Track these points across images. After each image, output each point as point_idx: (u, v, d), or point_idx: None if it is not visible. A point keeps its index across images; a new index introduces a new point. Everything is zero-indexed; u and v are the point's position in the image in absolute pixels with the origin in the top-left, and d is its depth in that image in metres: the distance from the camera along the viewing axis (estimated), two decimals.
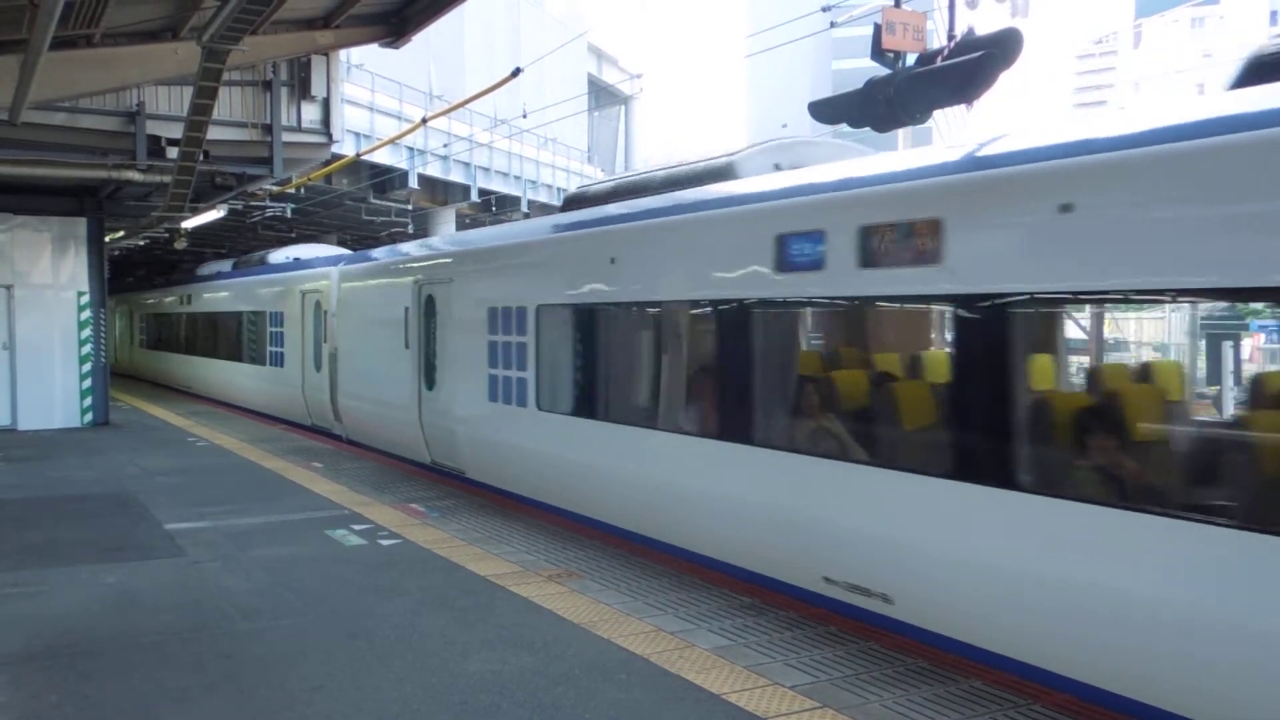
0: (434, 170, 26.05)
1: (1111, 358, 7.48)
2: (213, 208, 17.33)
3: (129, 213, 18.75)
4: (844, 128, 8.38)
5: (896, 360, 7.07)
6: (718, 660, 5.53)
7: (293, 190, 20.65)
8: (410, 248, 14.12)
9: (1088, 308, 6.19)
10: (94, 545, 8.40)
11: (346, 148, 20.32)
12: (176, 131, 13.13)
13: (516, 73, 12.44)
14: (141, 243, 26.60)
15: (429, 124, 17.87)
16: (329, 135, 15.80)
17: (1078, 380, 6.72)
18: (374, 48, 15.59)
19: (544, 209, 30.49)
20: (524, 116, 19.37)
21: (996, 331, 5.25)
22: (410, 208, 26.97)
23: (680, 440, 7.65)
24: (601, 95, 54.03)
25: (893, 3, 6.75)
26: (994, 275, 5.23)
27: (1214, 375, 11.91)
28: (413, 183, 24.81)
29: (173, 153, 13.49)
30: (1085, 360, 6.74)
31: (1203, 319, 10.86)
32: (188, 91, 11.74)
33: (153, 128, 14.14)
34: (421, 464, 12.25)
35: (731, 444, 7.02)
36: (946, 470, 5.45)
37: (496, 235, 11.48)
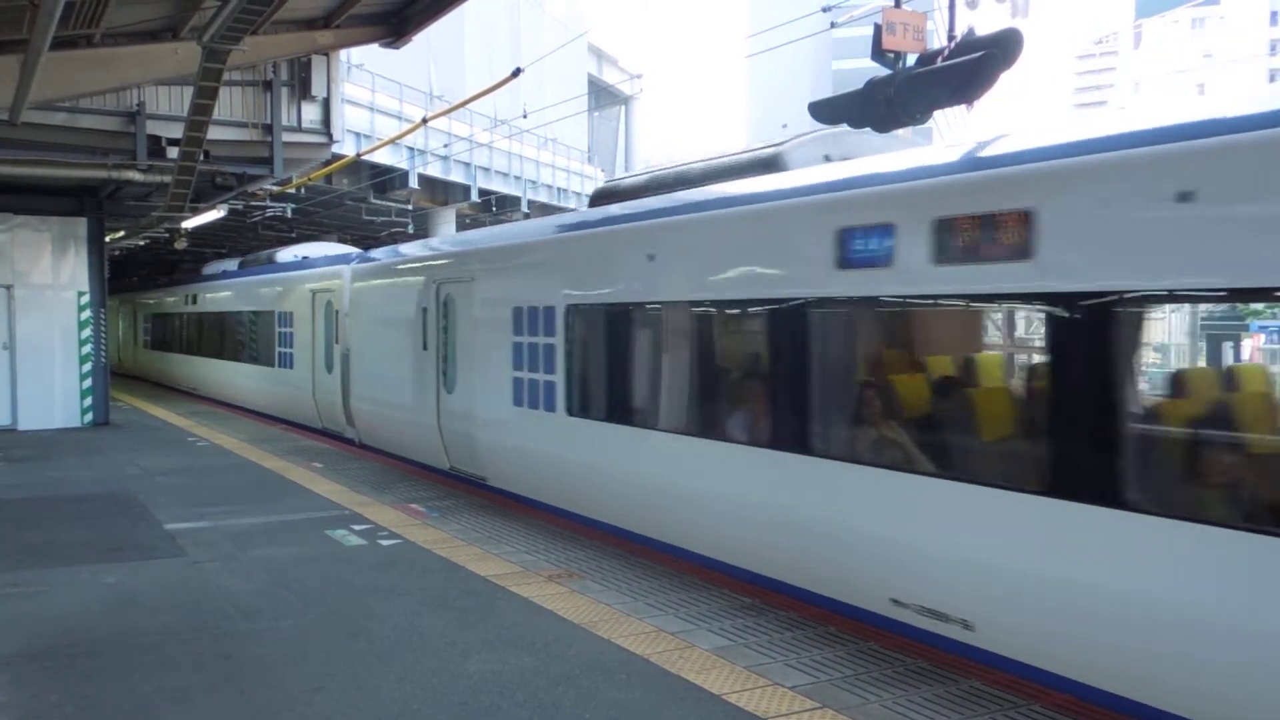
0: (434, 170, 26.06)
1: (1229, 361, 6.93)
2: (213, 208, 17.33)
3: (129, 213, 18.76)
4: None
5: (972, 364, 6.56)
6: (718, 660, 5.53)
7: (293, 190, 20.66)
8: (428, 245, 13.76)
9: (1210, 307, 5.77)
10: (94, 545, 8.41)
11: (347, 148, 20.32)
12: (177, 131, 13.14)
13: (517, 73, 12.43)
14: (142, 242, 26.60)
15: (429, 124, 17.86)
16: (329, 135, 15.81)
17: (1193, 385, 6.06)
18: (374, 48, 15.60)
19: (544, 209, 30.52)
20: (524, 117, 19.34)
21: (1098, 333, 4.79)
22: (410, 208, 26.97)
23: (726, 449, 7.18)
24: (601, 95, 54.04)
25: (893, 3, 6.75)
26: (1097, 271, 4.77)
27: None
28: (413, 183, 24.81)
29: (173, 153, 13.49)
30: (1199, 364, 6.23)
31: None
32: (188, 91, 11.75)
33: (153, 128, 14.15)
34: (439, 470, 11.80)
35: (785, 454, 6.57)
36: (1045, 486, 4.99)
37: (520, 232, 10.97)
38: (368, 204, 26.08)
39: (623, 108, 58.19)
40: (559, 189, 33.38)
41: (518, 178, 30.18)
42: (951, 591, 5.50)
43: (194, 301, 25.09)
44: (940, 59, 6.22)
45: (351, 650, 5.74)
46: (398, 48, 14.89)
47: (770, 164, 7.49)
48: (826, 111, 7.01)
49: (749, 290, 7.01)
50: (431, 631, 6.07)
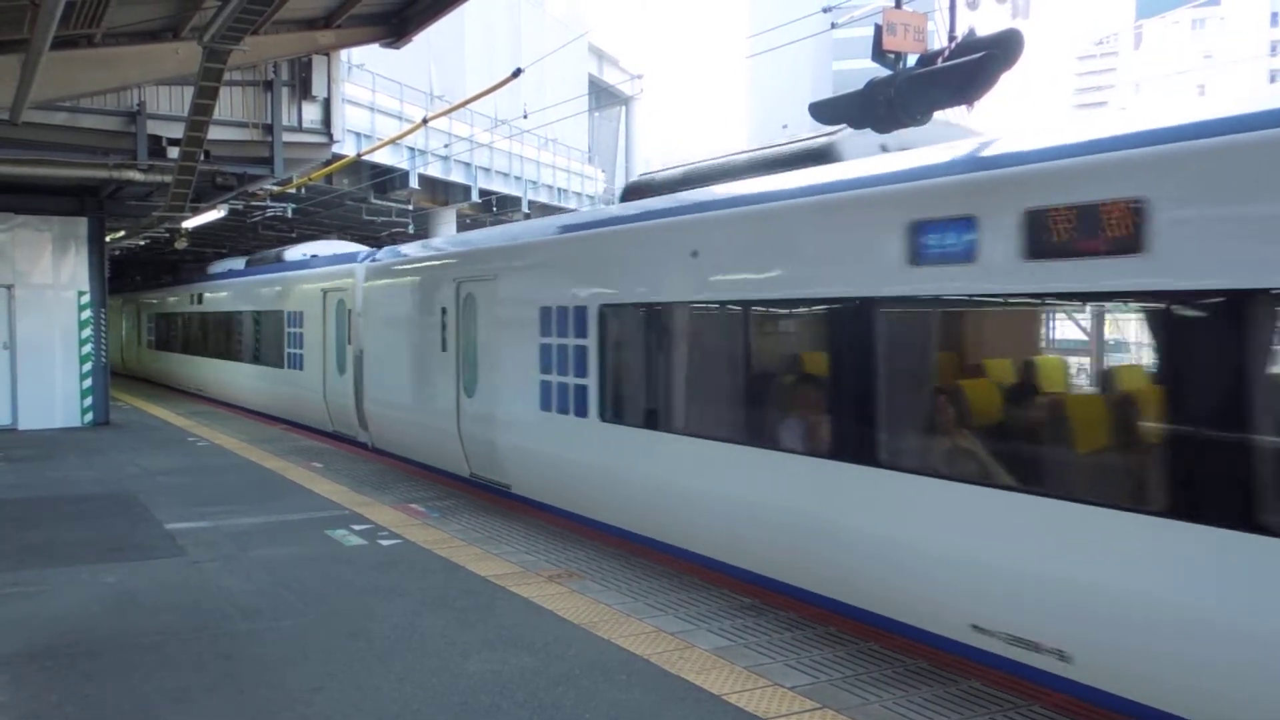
0: (434, 170, 26.08)
1: None
2: (213, 208, 17.34)
3: (130, 212, 18.76)
4: None
5: (1066, 368, 6.08)
6: (718, 661, 5.53)
7: (293, 190, 20.65)
8: (447, 242, 13.24)
9: None
10: (94, 545, 8.41)
11: (347, 148, 20.34)
12: (177, 131, 13.14)
13: (517, 73, 12.43)
14: (143, 242, 26.59)
15: (430, 124, 17.86)
16: (330, 135, 15.80)
17: None
18: (375, 48, 15.60)
19: (545, 209, 30.53)
20: (524, 117, 19.36)
21: (1224, 334, 4.33)
22: (411, 208, 26.99)
23: (779, 459, 6.72)
24: (602, 96, 54.06)
25: (893, 4, 6.75)
26: (1225, 267, 4.31)
27: None
28: (413, 183, 24.83)
29: (173, 152, 13.50)
30: None
31: None
32: (188, 91, 11.75)
33: (153, 127, 14.15)
34: (458, 476, 11.39)
35: (850, 465, 6.09)
36: (1156, 505, 4.59)
37: (547, 229, 10.35)
38: (368, 204, 26.10)
39: (623, 108, 58.22)
40: (559, 189, 33.41)
41: (518, 178, 30.20)
42: (1045, 618, 5.02)
43: (199, 301, 24.64)
44: (941, 60, 6.21)
45: (351, 650, 5.74)
46: (398, 48, 14.90)
47: (822, 155, 7.10)
48: (827, 112, 6.99)
49: (806, 289, 6.56)
50: (431, 631, 6.07)
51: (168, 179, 13.98)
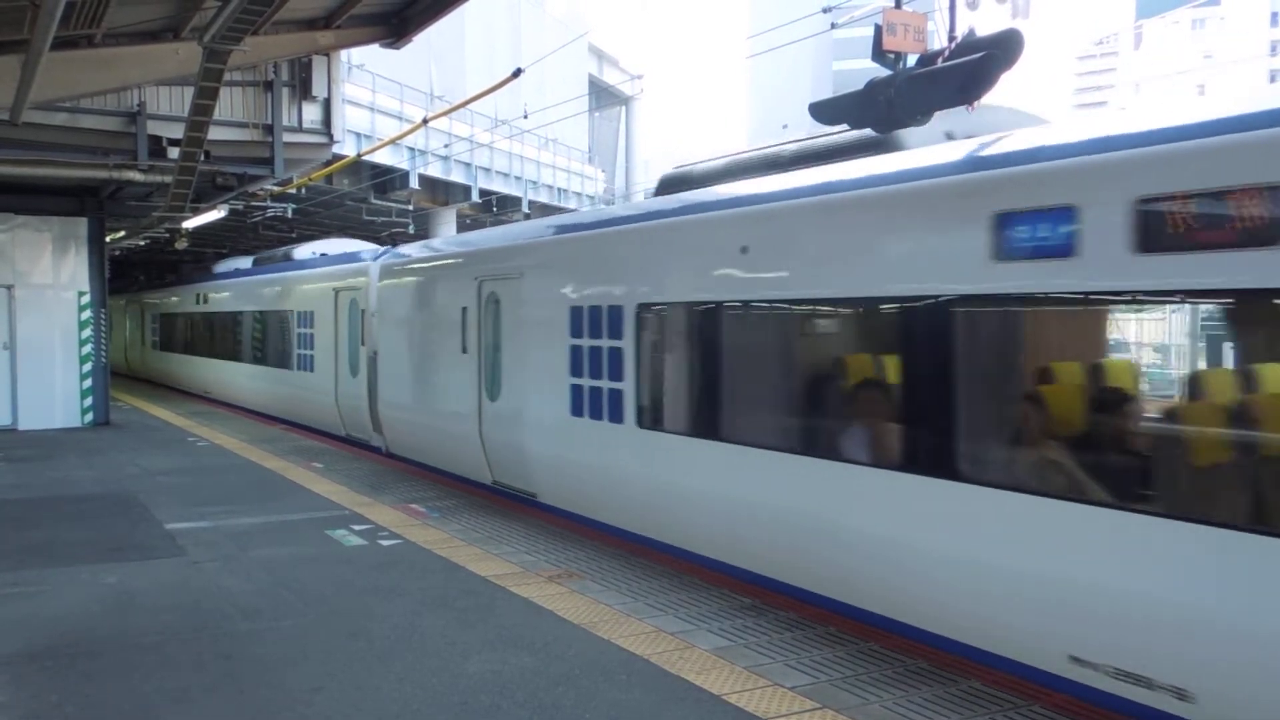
0: (435, 171, 26.09)
1: None
2: (213, 208, 17.35)
3: (130, 213, 18.77)
4: None
5: (1192, 372, 5.54)
6: (718, 661, 5.53)
7: (293, 190, 20.67)
8: (468, 238, 12.73)
9: None
10: (94, 545, 8.41)
11: (347, 148, 20.34)
12: (177, 132, 13.16)
13: (517, 73, 12.44)
14: (143, 242, 26.59)
15: (430, 124, 17.87)
16: (330, 135, 15.82)
17: None
18: (375, 48, 15.62)
19: (545, 209, 30.54)
20: (525, 117, 19.37)
21: None
22: (411, 208, 27.00)
23: (837, 470, 6.24)
24: (602, 96, 54.09)
25: (893, 4, 6.75)
26: None
27: None
28: (413, 183, 24.84)
29: (174, 153, 13.51)
30: None
31: None
32: (189, 92, 11.76)
33: (154, 128, 14.16)
34: (480, 484, 10.86)
35: (921, 478, 5.62)
36: None
37: (576, 224, 9.85)
38: (368, 204, 26.11)
39: (623, 108, 58.27)
40: (559, 189, 33.43)
41: (518, 178, 30.21)
42: (1161, 650, 4.53)
43: (205, 301, 24.13)
44: (941, 60, 6.21)
45: (351, 650, 5.75)
46: (398, 48, 14.91)
47: (882, 143, 6.68)
48: (827, 112, 6.99)
49: (872, 286, 6.06)
50: (431, 632, 6.07)
51: (168, 179, 14.00)
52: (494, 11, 37.77)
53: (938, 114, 6.56)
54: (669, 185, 8.78)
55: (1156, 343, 5.97)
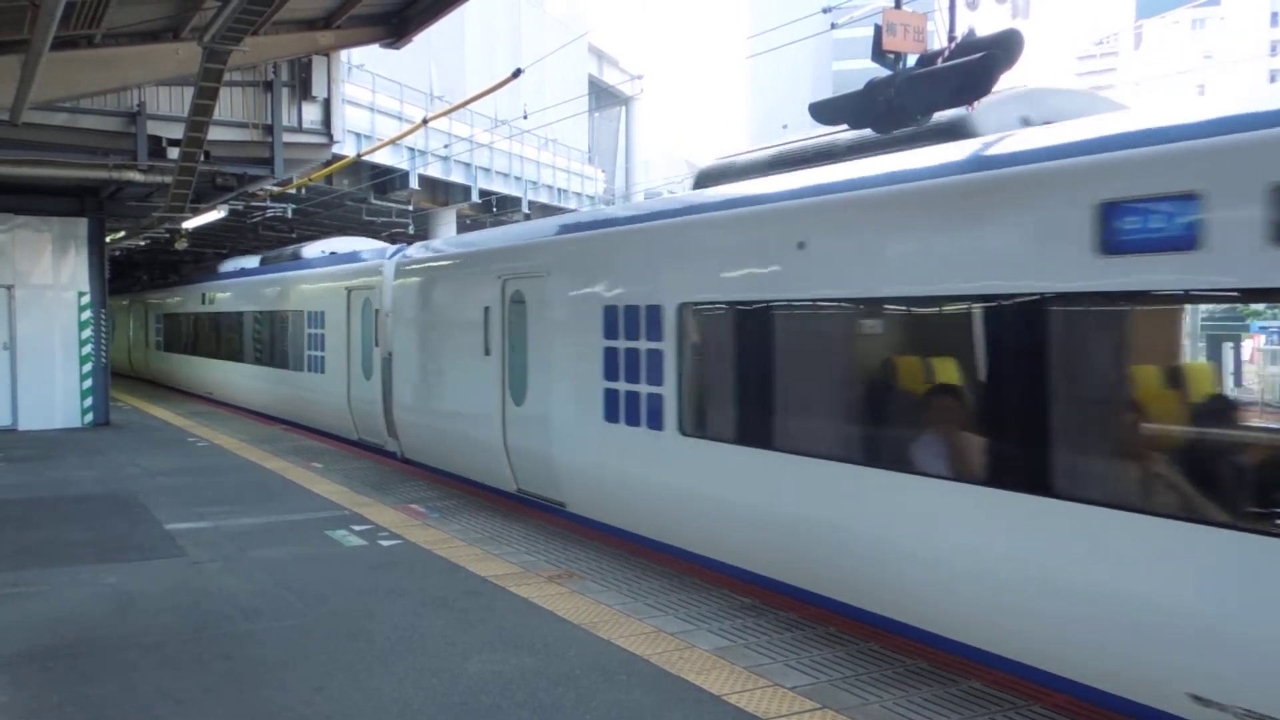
0: (435, 171, 26.11)
1: None
2: (213, 208, 17.36)
3: (130, 213, 18.78)
4: None
5: None
6: (718, 661, 5.53)
7: (293, 191, 20.68)
8: (490, 235, 12.14)
9: None
10: (95, 546, 8.41)
11: (347, 148, 20.35)
12: (177, 132, 13.17)
13: (517, 73, 12.44)
14: (143, 243, 26.58)
15: (430, 125, 17.88)
16: (330, 136, 15.83)
17: None
18: (375, 48, 15.63)
19: (545, 210, 30.56)
20: (524, 117, 19.38)
21: None
22: (411, 208, 27.02)
23: (912, 484, 5.77)
24: (602, 96, 54.13)
25: (893, 4, 6.74)
26: None
27: None
28: (413, 183, 24.86)
29: (174, 153, 13.52)
30: None
31: None
32: (189, 92, 11.76)
33: (154, 128, 14.17)
34: (503, 492, 10.42)
35: (1012, 494, 5.17)
36: None
37: (609, 219, 9.26)
38: (368, 204, 26.13)
39: (623, 108, 58.31)
40: (559, 189, 33.46)
41: (518, 178, 30.24)
42: None
43: (211, 301, 23.61)
44: (941, 60, 6.21)
45: (352, 651, 5.75)
46: (398, 48, 14.92)
47: (953, 130, 6.27)
48: (827, 112, 6.98)
49: (953, 283, 5.60)
50: (432, 632, 6.07)
51: (168, 179, 14.00)
52: (494, 11, 37.80)
53: (1011, 98, 6.34)
54: (709, 178, 8.32)
55: None
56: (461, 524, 9.22)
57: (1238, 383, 5.02)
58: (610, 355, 8.40)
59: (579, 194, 35.52)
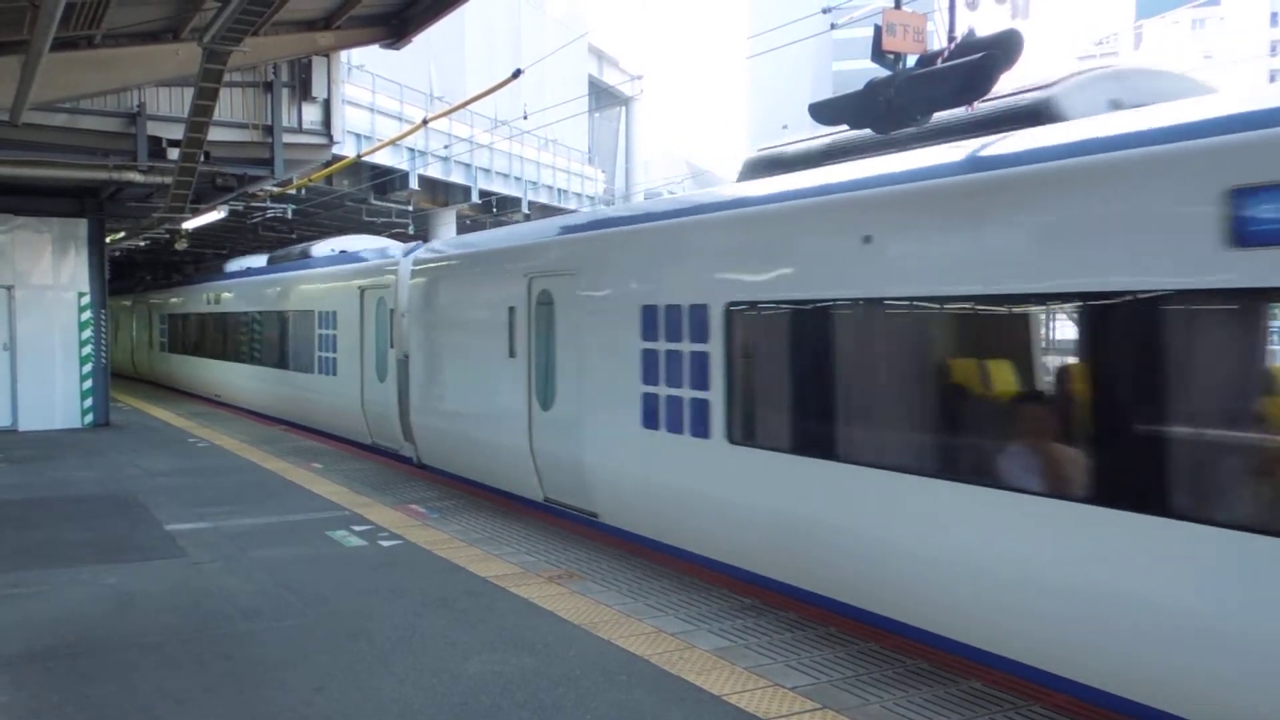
0: (434, 171, 26.12)
1: None
2: (213, 209, 17.37)
3: (130, 214, 18.79)
4: None
5: None
6: (718, 661, 5.53)
7: (293, 191, 20.67)
8: (515, 231, 11.72)
9: None
10: (95, 546, 8.41)
11: (347, 149, 20.35)
12: (177, 132, 13.17)
13: (517, 74, 12.44)
14: (143, 243, 26.57)
15: (429, 125, 17.88)
16: (330, 136, 15.83)
17: None
18: (375, 49, 15.63)
19: (545, 210, 30.58)
20: (524, 118, 19.38)
21: None
22: (411, 209, 27.03)
23: (996, 499, 5.26)
24: (602, 96, 54.17)
25: (893, 4, 6.75)
26: None
27: None
28: (413, 184, 24.87)
29: (173, 154, 13.52)
30: None
31: None
32: (189, 92, 11.77)
33: (153, 129, 14.18)
34: (529, 501, 9.94)
35: (1122, 513, 4.64)
36: None
37: (648, 213, 8.65)
38: (368, 205, 26.14)
39: (623, 109, 58.35)
40: (559, 190, 33.48)
41: (518, 179, 30.26)
42: None
43: (217, 301, 23.08)
44: (940, 60, 6.21)
45: (352, 651, 5.75)
46: (398, 49, 14.93)
47: (1036, 114, 5.79)
48: (827, 112, 6.98)
49: (1047, 279, 5.10)
50: (432, 632, 6.07)
51: (168, 180, 14.01)
52: (494, 12, 37.82)
53: (1096, 79, 5.96)
54: (756, 169, 7.86)
55: None
56: (461, 524, 9.22)
57: None
58: (649, 358, 7.95)
59: (579, 194, 35.54)
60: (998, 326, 5.91)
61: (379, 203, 26.02)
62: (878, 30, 6.42)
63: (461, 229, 29.57)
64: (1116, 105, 5.68)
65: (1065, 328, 5.25)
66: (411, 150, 24.24)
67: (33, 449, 14.57)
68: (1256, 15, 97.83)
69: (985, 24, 6.50)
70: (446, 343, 11.85)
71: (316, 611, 6.52)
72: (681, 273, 7.73)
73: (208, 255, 31.05)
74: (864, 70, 6.59)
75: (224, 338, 22.73)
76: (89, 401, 17.51)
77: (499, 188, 29.24)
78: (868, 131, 6.76)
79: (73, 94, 13.17)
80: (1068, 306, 5.17)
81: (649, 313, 7.98)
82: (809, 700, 4.97)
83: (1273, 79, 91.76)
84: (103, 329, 17.70)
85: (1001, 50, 5.90)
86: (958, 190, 5.61)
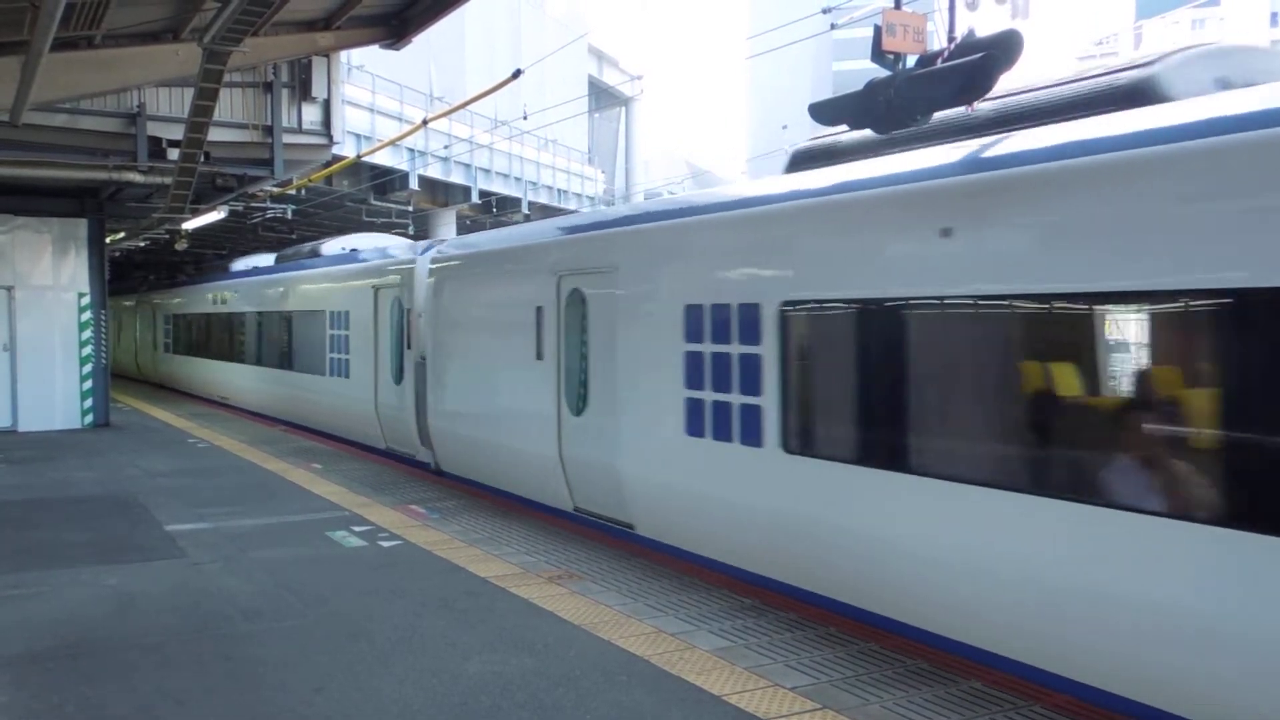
0: (434, 172, 26.14)
1: None
2: (213, 209, 17.37)
3: (130, 214, 18.80)
4: None
5: None
6: (718, 661, 5.53)
7: (293, 191, 20.68)
8: (542, 228, 11.11)
9: None
10: (95, 547, 8.41)
11: (347, 149, 20.35)
12: (177, 133, 13.17)
13: (517, 74, 12.44)
14: (143, 244, 26.56)
15: (429, 125, 17.88)
16: (329, 136, 15.84)
17: None
18: (375, 49, 15.64)
19: (545, 210, 30.59)
20: (524, 118, 19.39)
21: None
22: (411, 209, 27.04)
23: (1111, 519, 4.71)
24: (602, 96, 54.20)
25: (893, 4, 6.75)
26: None
27: None
28: (413, 184, 24.88)
29: (173, 154, 13.53)
30: None
31: None
32: (189, 93, 11.77)
33: (154, 129, 14.18)
34: (557, 510, 9.51)
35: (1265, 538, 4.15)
36: None
37: (689, 207, 8.16)
38: (368, 205, 26.15)
39: (623, 109, 58.37)
40: (559, 190, 33.49)
41: (518, 179, 30.27)
42: None
43: (224, 301, 22.53)
44: (940, 60, 6.21)
45: (352, 651, 5.75)
46: (398, 49, 14.93)
47: (1137, 94, 5.35)
48: (827, 113, 6.98)
49: (1175, 275, 4.57)
50: (432, 632, 6.07)
51: (168, 180, 14.01)
52: (494, 12, 37.84)
53: (1199, 58, 5.59)
54: (805, 159, 7.46)
55: None
56: (461, 525, 9.22)
57: None
58: (694, 361, 7.47)
59: (579, 194, 35.57)
60: (1122, 327, 5.24)
61: (379, 203, 26.03)
62: (878, 30, 6.42)
63: (461, 229, 29.57)
64: (1224, 84, 5.26)
65: (1204, 329, 4.62)
66: (411, 150, 24.24)
67: (33, 449, 14.57)
68: (1256, 15, 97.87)
69: (985, 24, 6.51)
70: (468, 344, 11.40)
71: (316, 612, 6.52)
72: (731, 270, 7.27)
73: (208, 256, 31.02)
74: (864, 70, 6.59)
75: (231, 339, 22.29)
76: (89, 402, 17.51)
77: (499, 188, 29.25)
78: (938, 118, 6.38)
79: (73, 94, 13.17)
80: (1203, 304, 4.53)
81: (693, 313, 7.52)
82: (809, 700, 4.98)
83: None
84: (103, 329, 17.70)
85: (1001, 50, 5.90)
86: (1055, 178, 5.09)
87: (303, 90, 15.30)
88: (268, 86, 14.87)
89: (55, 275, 17.28)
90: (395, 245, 16.21)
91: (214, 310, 23.52)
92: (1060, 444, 5.28)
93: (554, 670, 5.41)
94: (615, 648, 5.76)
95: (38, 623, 6.30)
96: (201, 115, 11.22)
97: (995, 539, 5.27)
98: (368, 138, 22.81)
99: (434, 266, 12.23)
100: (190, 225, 18.87)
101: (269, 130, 14.89)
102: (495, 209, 30.24)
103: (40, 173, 14.12)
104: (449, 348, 11.77)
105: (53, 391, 17.19)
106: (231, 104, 14.39)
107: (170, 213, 15.66)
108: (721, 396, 7.21)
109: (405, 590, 6.99)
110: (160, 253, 31.05)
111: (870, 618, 6.11)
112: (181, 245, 21.69)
